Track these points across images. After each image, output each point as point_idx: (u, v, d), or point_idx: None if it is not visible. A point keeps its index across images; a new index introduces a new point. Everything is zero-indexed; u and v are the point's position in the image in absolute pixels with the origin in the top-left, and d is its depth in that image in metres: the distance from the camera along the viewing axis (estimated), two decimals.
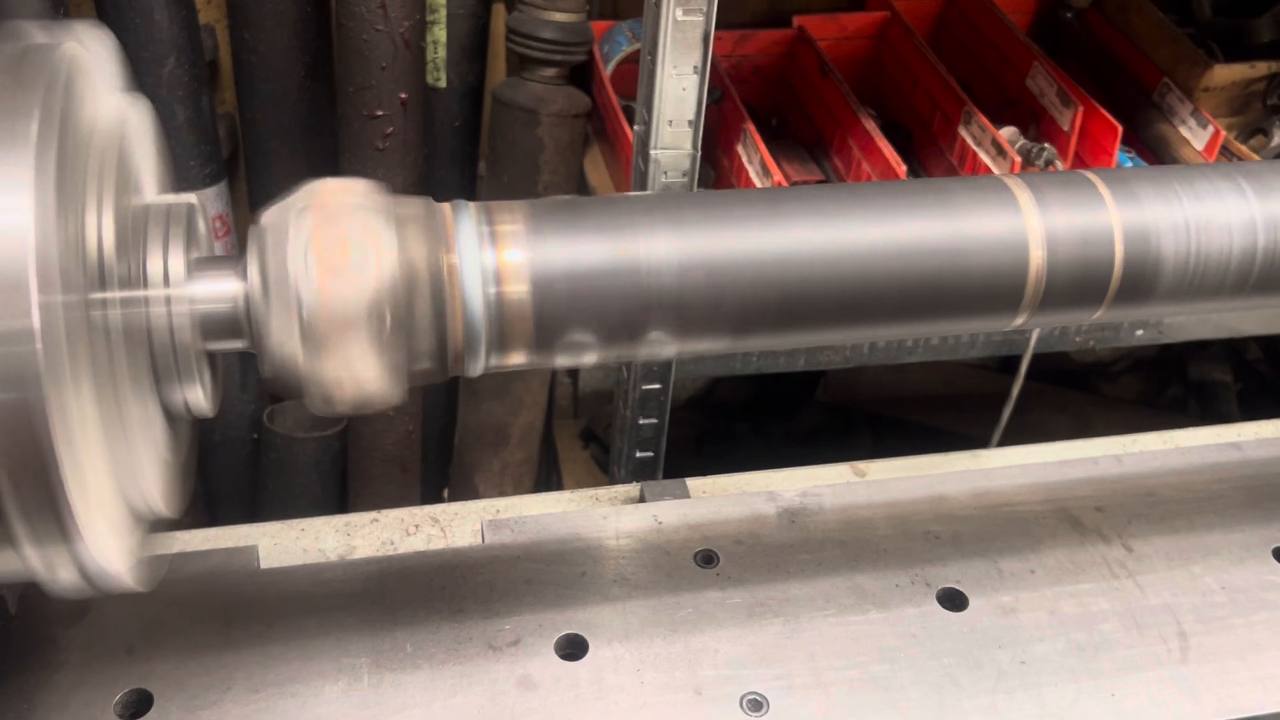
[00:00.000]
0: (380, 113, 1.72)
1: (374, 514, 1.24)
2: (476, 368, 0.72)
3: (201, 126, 1.83)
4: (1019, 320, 0.80)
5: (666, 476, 1.87)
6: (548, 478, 2.58)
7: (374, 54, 1.67)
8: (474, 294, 0.70)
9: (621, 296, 0.71)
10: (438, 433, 2.26)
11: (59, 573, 0.63)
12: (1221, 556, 1.16)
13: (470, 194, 2.15)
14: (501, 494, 2.19)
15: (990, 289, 0.77)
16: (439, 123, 2.00)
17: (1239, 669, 1.05)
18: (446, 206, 0.73)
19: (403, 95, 1.72)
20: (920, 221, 0.76)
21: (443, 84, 1.96)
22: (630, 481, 1.88)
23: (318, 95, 1.91)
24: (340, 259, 0.66)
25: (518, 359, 0.73)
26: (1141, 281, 0.79)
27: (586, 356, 0.74)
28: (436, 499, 2.34)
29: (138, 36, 1.69)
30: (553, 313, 0.71)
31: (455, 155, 2.05)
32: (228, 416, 2.05)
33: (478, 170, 2.13)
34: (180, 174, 1.82)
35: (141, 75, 1.70)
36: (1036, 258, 0.77)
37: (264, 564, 1.11)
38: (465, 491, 2.18)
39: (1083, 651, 1.05)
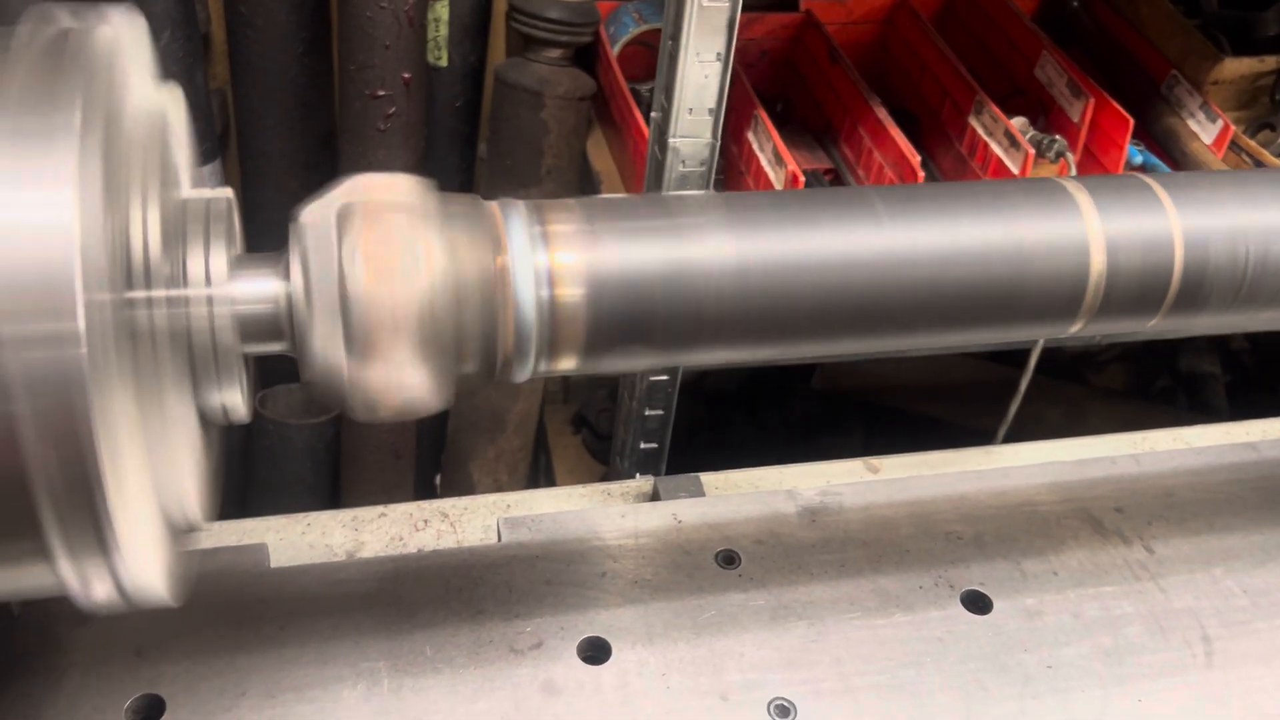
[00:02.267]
0: (382, 92, 1.68)
1: (381, 508, 1.22)
2: (524, 373, 0.70)
3: (196, 103, 1.78)
4: (1075, 327, 0.78)
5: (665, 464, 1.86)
6: (537, 463, 2.56)
7: (377, 31, 1.63)
8: (527, 297, 0.67)
9: (680, 302, 0.69)
10: (432, 418, 2.22)
11: (94, 588, 0.60)
12: (1242, 559, 1.16)
13: (469, 177, 2.11)
14: (495, 480, 2.16)
15: (1050, 296, 0.75)
16: (439, 103, 1.96)
17: (1264, 675, 1.05)
18: (495, 205, 0.70)
19: (406, 75, 1.68)
20: (983, 225, 0.74)
21: (444, 63, 1.92)
22: (633, 472, 1.87)
23: (316, 72, 1.87)
24: (389, 261, 0.63)
25: (567, 365, 0.70)
26: (1200, 289, 0.78)
27: (637, 363, 0.71)
28: (428, 485, 2.31)
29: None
30: (607, 318, 0.68)
31: (455, 137, 2.01)
32: None
33: (478, 152, 2.09)
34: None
35: None
36: (1097, 263, 0.75)
37: (273, 562, 1.08)
38: (459, 478, 2.15)
39: (1108, 656, 1.04)
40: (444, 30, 1.87)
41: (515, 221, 0.69)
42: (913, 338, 0.74)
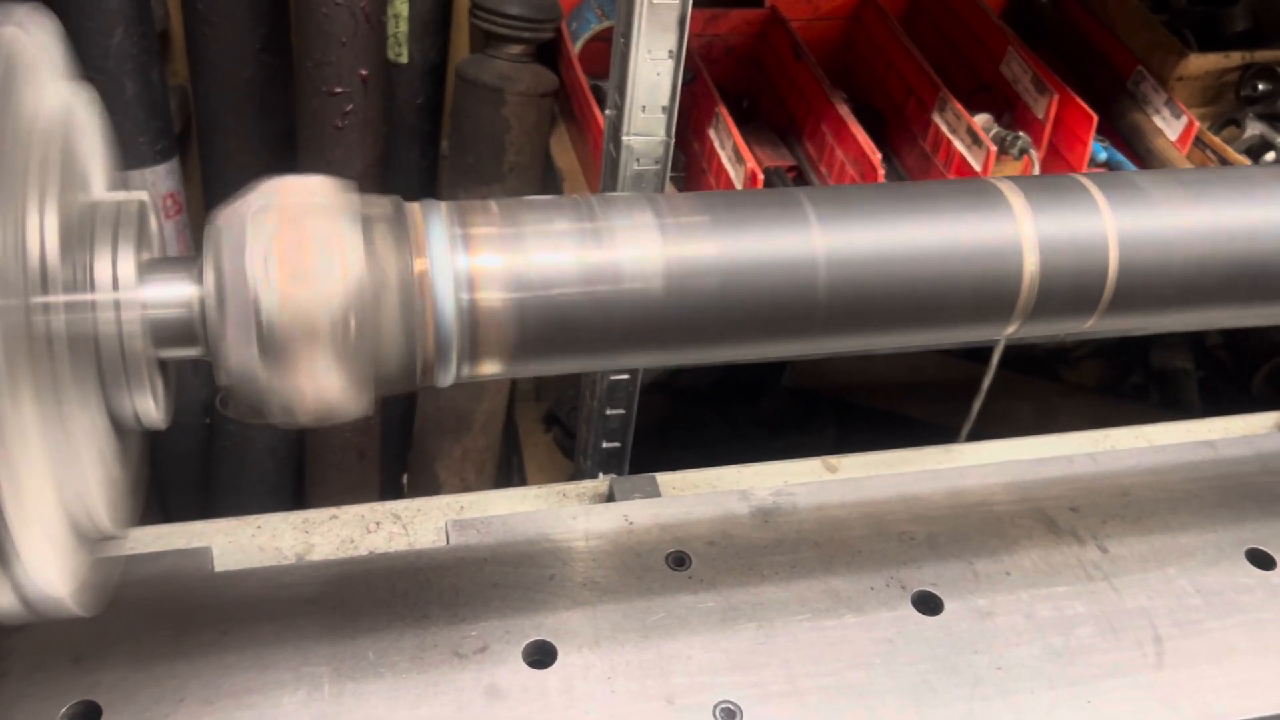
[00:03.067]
0: (340, 89, 1.66)
1: (333, 510, 1.20)
2: (447, 378, 0.69)
3: (151, 101, 1.76)
4: (1011, 329, 0.77)
5: (633, 462, 1.85)
6: (508, 462, 2.54)
7: (334, 28, 1.62)
8: (446, 301, 0.66)
9: (603, 304, 0.68)
10: (397, 419, 2.21)
11: None
12: (1196, 558, 1.15)
13: (432, 174, 2.10)
14: (462, 480, 2.15)
15: (983, 297, 0.74)
16: (400, 100, 1.94)
17: (1215, 674, 1.04)
18: (416, 206, 0.69)
19: (363, 71, 1.66)
20: (914, 226, 0.73)
21: (404, 59, 1.90)
22: (597, 472, 1.86)
23: (274, 69, 1.85)
24: (303, 263, 0.62)
25: (491, 369, 0.69)
26: (1135, 291, 0.77)
27: (563, 366, 0.70)
28: (395, 486, 2.29)
29: (84, 6, 1.61)
30: (529, 322, 0.67)
31: (416, 134, 2.00)
32: (178, 402, 1.99)
33: (440, 150, 2.08)
34: (130, 151, 1.75)
35: (87, 47, 1.63)
36: (1030, 264, 0.74)
37: (219, 565, 1.07)
38: (425, 478, 2.14)
39: (1059, 657, 1.04)
40: (404, 27, 1.86)
41: (435, 224, 0.67)
42: (843, 340, 0.73)
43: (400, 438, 2.24)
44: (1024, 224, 0.74)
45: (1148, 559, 1.15)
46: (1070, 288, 0.75)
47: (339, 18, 1.60)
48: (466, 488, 2.13)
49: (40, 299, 0.59)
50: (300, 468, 2.06)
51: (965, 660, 1.02)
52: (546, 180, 1.97)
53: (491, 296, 0.67)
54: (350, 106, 1.67)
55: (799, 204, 0.72)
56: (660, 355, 0.71)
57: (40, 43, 0.64)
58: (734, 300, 0.69)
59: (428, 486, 2.11)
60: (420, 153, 2.03)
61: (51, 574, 0.58)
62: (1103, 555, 1.15)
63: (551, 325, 0.68)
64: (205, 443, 2.05)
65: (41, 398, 0.58)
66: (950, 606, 1.07)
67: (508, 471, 2.54)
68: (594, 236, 0.69)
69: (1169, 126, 1.88)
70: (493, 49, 1.79)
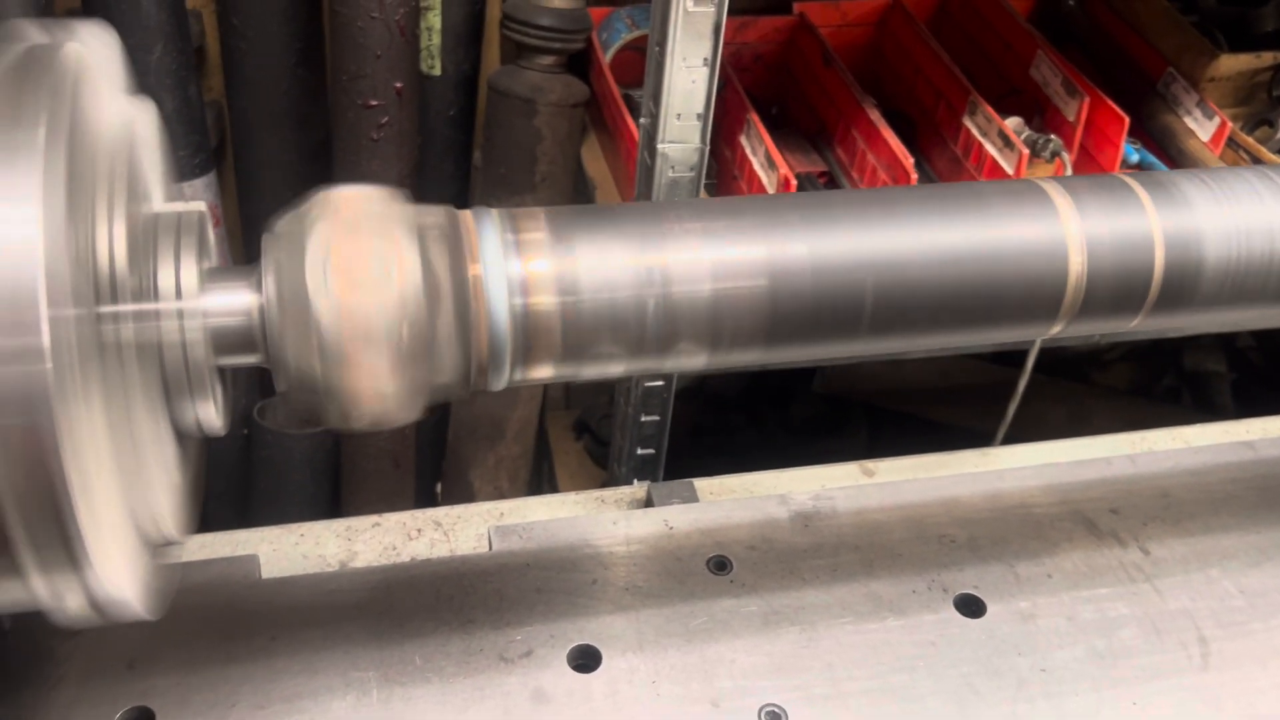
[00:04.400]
0: (375, 102, 1.68)
1: (375, 518, 1.21)
2: (500, 382, 0.70)
3: (190, 116, 1.79)
4: (1056, 329, 0.77)
5: (665, 468, 1.85)
6: (539, 469, 2.55)
7: (369, 41, 1.63)
8: (499, 306, 0.67)
9: (652, 307, 0.69)
10: (431, 427, 2.23)
11: (67, 602, 0.60)
12: (1238, 559, 1.15)
13: (464, 185, 2.11)
14: (496, 488, 2.16)
15: (1029, 297, 0.74)
16: (433, 111, 1.96)
17: (1260, 676, 1.04)
18: (468, 214, 0.70)
19: (398, 84, 1.68)
20: (957, 227, 0.73)
21: (437, 71, 1.92)
22: (631, 478, 1.86)
23: (309, 83, 1.87)
24: (361, 271, 0.63)
25: (543, 372, 0.70)
26: (1182, 289, 0.77)
27: (613, 368, 0.71)
28: (429, 494, 2.31)
29: (124, 23, 1.64)
30: (581, 324, 0.68)
31: (450, 145, 2.01)
32: None
33: (472, 160, 2.10)
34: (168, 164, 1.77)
35: (127, 64, 1.65)
36: (1076, 264, 0.75)
37: (265, 572, 1.08)
38: (459, 486, 2.15)
39: (1102, 659, 1.04)
40: (437, 39, 1.87)
41: (488, 230, 0.69)
42: (891, 341, 0.73)
43: (434, 446, 2.26)
44: (1070, 223, 0.75)
45: (1189, 561, 1.14)
46: (1117, 287, 0.75)
47: (374, 31, 1.62)
48: (500, 495, 2.14)
49: (110, 308, 0.60)
50: (336, 476, 2.08)
51: (1009, 663, 1.02)
52: (578, 189, 1.98)
53: (543, 300, 0.68)
54: (385, 119, 1.69)
55: (847, 206, 0.72)
56: (708, 359, 0.72)
57: (103, 58, 0.65)
58: (784, 303, 0.70)
59: (462, 494, 2.12)
60: (453, 163, 2.05)
61: (120, 578, 0.60)
62: (1144, 557, 1.15)
63: (602, 328, 0.69)
64: (244, 452, 2.07)
65: (110, 405, 0.59)
66: (993, 609, 1.07)
67: (539, 479, 2.55)
68: (642, 240, 0.70)
69: (1201, 128, 1.88)
70: (524, 60, 1.80)
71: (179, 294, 0.65)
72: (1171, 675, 1.03)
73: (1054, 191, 0.76)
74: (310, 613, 1.02)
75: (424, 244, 0.66)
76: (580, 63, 1.97)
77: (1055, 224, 0.74)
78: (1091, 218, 0.75)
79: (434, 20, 1.86)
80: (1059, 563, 1.13)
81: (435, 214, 0.69)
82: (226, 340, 0.66)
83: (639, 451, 1.73)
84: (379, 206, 0.67)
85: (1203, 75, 1.95)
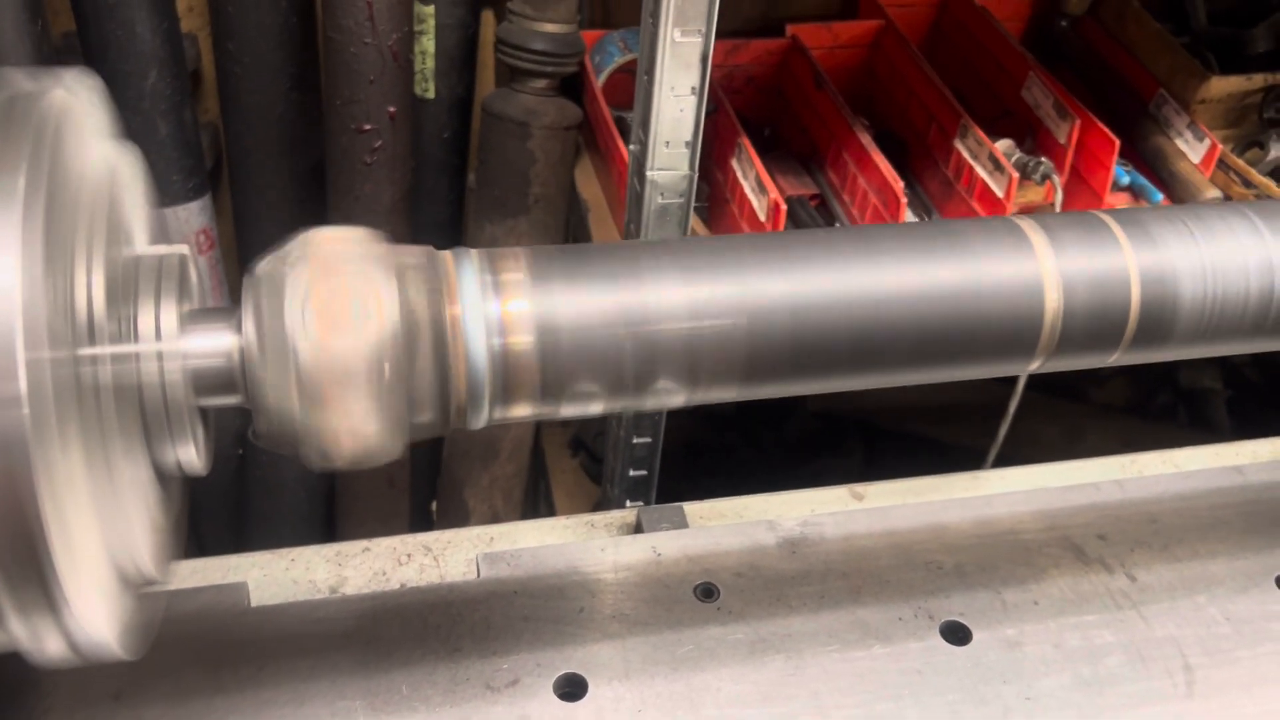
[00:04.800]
0: (368, 126, 1.69)
1: (365, 543, 1.22)
2: (479, 421, 0.70)
3: (184, 140, 1.80)
4: (1034, 365, 0.78)
5: (659, 486, 1.86)
6: (535, 487, 2.56)
7: (362, 67, 1.64)
8: (478, 346, 0.68)
9: (630, 347, 0.69)
10: (426, 447, 2.23)
11: (46, 644, 0.60)
12: (1225, 586, 1.15)
13: (458, 207, 2.12)
14: (491, 507, 2.16)
15: (1006, 334, 0.75)
16: (427, 134, 1.97)
17: (1246, 703, 1.04)
18: (448, 255, 0.71)
19: (391, 109, 1.69)
20: (934, 266, 0.74)
21: (431, 95, 1.93)
22: (624, 500, 1.87)
23: (304, 107, 1.88)
24: (339, 312, 0.64)
25: (522, 411, 0.71)
26: (1159, 325, 0.78)
27: (592, 407, 0.71)
28: (424, 513, 2.31)
29: (119, 49, 1.65)
30: (559, 364, 0.69)
31: (444, 167, 2.02)
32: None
33: (466, 183, 2.10)
34: (163, 189, 1.78)
35: (122, 89, 1.66)
36: (1052, 301, 0.75)
37: (255, 597, 1.08)
38: (453, 505, 2.15)
39: (1088, 687, 1.04)
40: (430, 63, 1.89)
41: (466, 270, 0.69)
42: (869, 378, 0.74)
43: (429, 465, 2.26)
44: (1046, 261, 0.75)
45: (1176, 587, 1.14)
46: (1093, 323, 0.76)
47: (367, 56, 1.63)
48: (495, 514, 2.15)
49: (89, 351, 0.61)
50: (331, 496, 2.09)
51: (994, 690, 1.03)
52: (571, 211, 1.99)
53: (521, 340, 0.69)
54: (379, 143, 1.70)
55: (824, 245, 0.73)
56: (687, 395, 0.73)
57: (87, 105, 0.66)
58: (760, 340, 0.71)
59: (457, 513, 2.13)
60: (447, 186, 2.06)
61: (99, 621, 0.60)
62: (1131, 583, 1.15)
63: (580, 367, 0.69)
64: (238, 473, 2.07)
65: (89, 448, 0.60)
66: (979, 636, 1.07)
67: (535, 497, 2.55)
68: (620, 280, 0.70)
69: (1192, 149, 1.89)
70: (518, 83, 1.81)
71: (159, 336, 0.65)
72: (1157, 703, 1.03)
73: (1030, 229, 0.77)
74: (298, 641, 1.02)
75: (403, 284, 0.67)
76: (573, 86, 1.98)
77: (1032, 261, 0.75)
78: (1067, 255, 0.76)
79: (428, 44, 1.87)
80: (1046, 589, 1.13)
81: (415, 254, 0.69)
82: (206, 381, 0.67)
83: (631, 473, 1.74)
84: (358, 247, 0.67)
85: (1194, 97, 1.96)
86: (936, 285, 0.73)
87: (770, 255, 0.73)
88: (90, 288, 0.61)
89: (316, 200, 1.93)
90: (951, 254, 0.74)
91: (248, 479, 2.06)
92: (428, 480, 2.29)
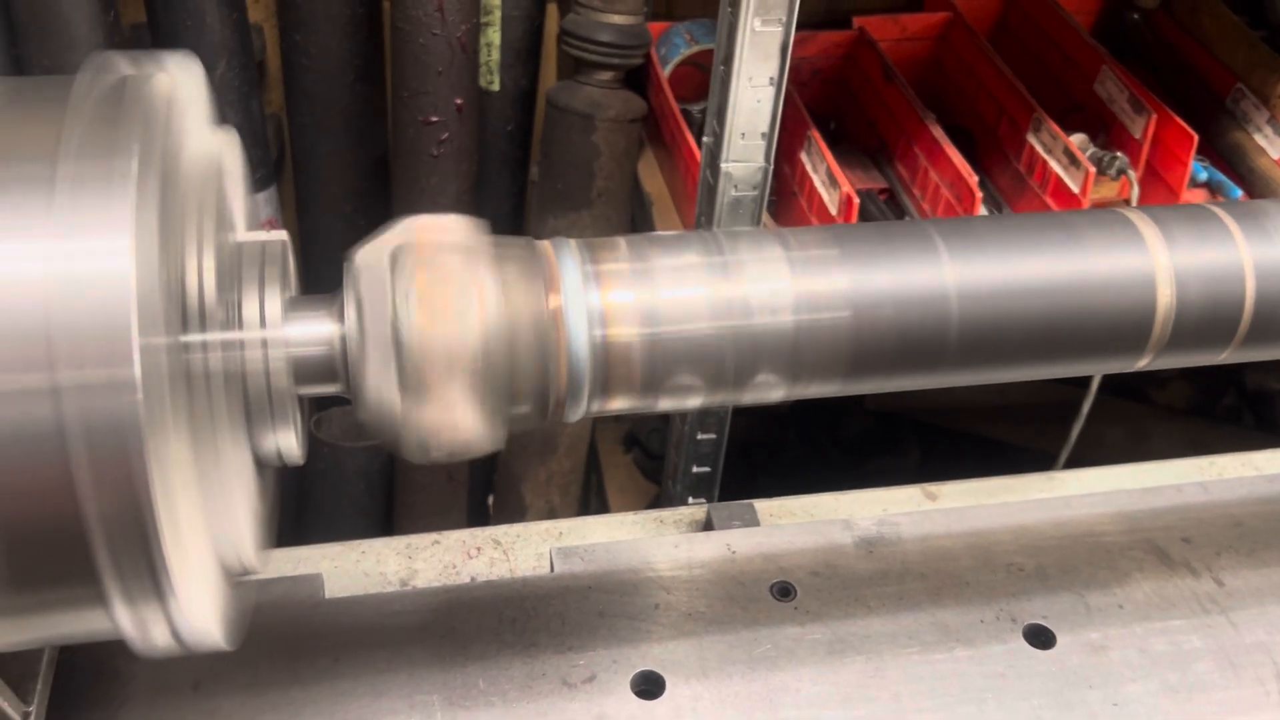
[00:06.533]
0: (435, 118, 1.69)
1: (434, 535, 1.21)
2: (577, 413, 0.69)
3: (252, 130, 1.80)
4: (1143, 361, 0.76)
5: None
6: (588, 482, 2.55)
7: (430, 58, 1.64)
8: (579, 338, 0.67)
9: (733, 339, 0.68)
10: None
11: (151, 633, 0.60)
12: None
13: (521, 200, 2.12)
14: (547, 502, 2.16)
15: (1117, 330, 0.73)
16: (490, 126, 1.96)
17: None
18: (548, 245, 0.70)
19: (459, 100, 1.69)
20: (1043, 259, 0.72)
21: (495, 87, 1.92)
22: (686, 496, 1.85)
23: (368, 99, 1.88)
24: (442, 303, 0.63)
25: (620, 404, 0.70)
26: (1274, 322, 0.75)
27: (691, 400, 0.70)
28: (481, 507, 2.31)
29: (189, 40, 1.66)
30: (661, 357, 0.68)
31: (507, 160, 2.02)
32: None
33: (529, 175, 2.10)
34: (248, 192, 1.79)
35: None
36: (1165, 296, 0.73)
37: (327, 590, 1.08)
38: (510, 500, 2.15)
39: (1177, 693, 1.01)
40: (495, 55, 1.88)
41: (568, 261, 0.68)
42: (976, 374, 0.72)
43: (487, 460, 2.26)
44: (1158, 255, 0.73)
45: (1264, 592, 1.12)
46: (1206, 319, 0.74)
47: (436, 48, 1.63)
48: (551, 510, 2.14)
49: (198, 337, 0.60)
50: (390, 489, 2.09)
51: (1079, 696, 1.00)
52: (634, 205, 1.98)
53: (623, 332, 0.67)
54: (445, 135, 1.69)
55: (928, 236, 0.71)
56: (788, 389, 0.71)
57: (190, 89, 0.66)
58: (866, 334, 0.69)
59: (513, 507, 2.12)
60: (510, 179, 2.05)
61: (204, 610, 0.60)
62: (1218, 588, 1.12)
63: (681, 360, 0.68)
64: (300, 466, 2.08)
65: (198, 435, 0.59)
66: (1062, 640, 1.05)
67: (587, 492, 2.55)
68: (722, 270, 0.69)
69: (1272, 145, 1.84)
70: (583, 75, 1.80)
71: (263, 323, 0.65)
72: (1248, 711, 1.01)
73: (1141, 222, 0.74)
74: (373, 634, 1.02)
75: (505, 275, 0.66)
76: (638, 78, 1.96)
77: (1144, 255, 0.73)
78: (1180, 249, 0.74)
79: (493, 36, 1.87)
80: (1130, 593, 1.11)
81: (516, 245, 0.68)
82: (308, 370, 0.66)
83: (695, 469, 1.72)
84: (459, 237, 0.66)
85: (1274, 92, 1.91)
86: (1046, 278, 0.71)
87: (873, 246, 0.71)
88: (201, 273, 0.61)
89: (379, 193, 1.93)
90: (1062, 246, 0.72)
91: (308, 470, 2.06)
92: (485, 475, 2.29)
